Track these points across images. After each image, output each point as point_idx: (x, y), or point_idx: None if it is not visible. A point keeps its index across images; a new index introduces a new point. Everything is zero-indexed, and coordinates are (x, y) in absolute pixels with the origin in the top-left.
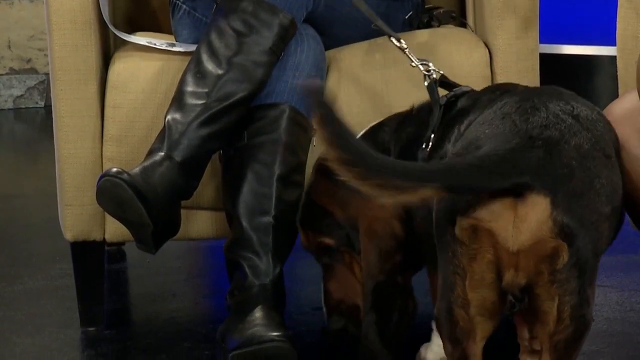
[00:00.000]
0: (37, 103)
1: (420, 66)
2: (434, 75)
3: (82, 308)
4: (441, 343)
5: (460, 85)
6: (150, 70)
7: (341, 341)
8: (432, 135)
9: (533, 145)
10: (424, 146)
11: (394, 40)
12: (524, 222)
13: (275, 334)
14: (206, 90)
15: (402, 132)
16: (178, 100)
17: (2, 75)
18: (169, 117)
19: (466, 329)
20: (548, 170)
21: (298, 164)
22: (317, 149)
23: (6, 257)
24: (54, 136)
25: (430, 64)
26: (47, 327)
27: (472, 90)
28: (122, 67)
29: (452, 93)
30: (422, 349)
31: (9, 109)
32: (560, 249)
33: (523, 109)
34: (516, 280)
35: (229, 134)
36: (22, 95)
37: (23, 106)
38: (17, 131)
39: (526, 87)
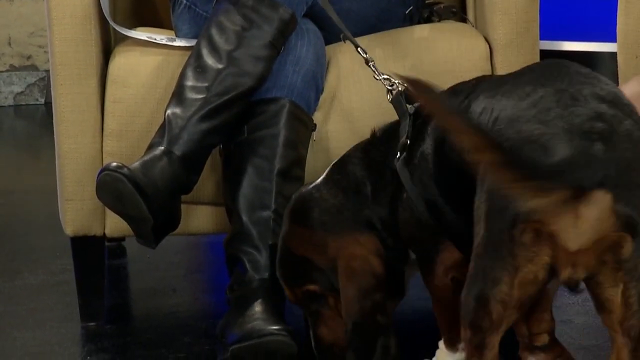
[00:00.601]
0: (37, 100)
1: (384, 81)
2: (400, 88)
3: (83, 303)
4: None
5: None
6: (151, 65)
7: None
8: (408, 142)
9: (591, 141)
10: (398, 155)
11: (360, 51)
12: (586, 222)
13: (275, 327)
14: (206, 84)
15: (374, 156)
16: (178, 95)
17: (2, 72)
18: (169, 111)
19: (496, 322)
20: (608, 164)
21: (298, 159)
22: (318, 144)
23: (7, 252)
24: (54, 131)
25: (393, 79)
26: (48, 322)
27: None
28: (123, 61)
29: (417, 104)
30: None
31: (9, 106)
32: (624, 240)
33: (563, 102)
34: (574, 276)
35: (229, 128)
36: (22, 92)
37: (23, 103)
38: (18, 128)
39: (528, 69)
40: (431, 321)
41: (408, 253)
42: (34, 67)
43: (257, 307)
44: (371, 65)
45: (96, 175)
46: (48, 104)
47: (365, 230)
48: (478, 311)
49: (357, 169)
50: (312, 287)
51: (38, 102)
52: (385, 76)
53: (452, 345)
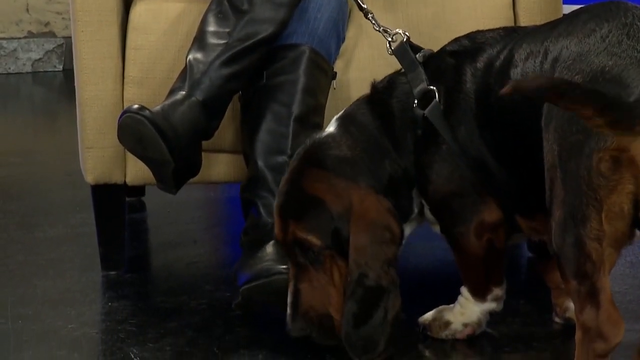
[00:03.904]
0: (55, 67)
1: (383, 33)
2: (404, 39)
3: (103, 252)
4: (468, 307)
5: (423, 49)
6: (172, 11)
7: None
8: (430, 88)
9: None
10: (416, 102)
11: (359, 1)
12: None
13: (284, 267)
14: (228, 30)
15: (383, 106)
16: (200, 40)
17: (20, 38)
18: (190, 56)
19: (597, 262)
20: None
21: (317, 106)
22: (338, 92)
23: (26, 207)
24: (75, 79)
25: (397, 29)
26: (68, 271)
27: (442, 51)
28: (144, 8)
29: (422, 53)
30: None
31: (27, 73)
32: None
33: (633, 35)
34: None
35: (249, 74)
36: (40, 59)
37: (41, 70)
38: (36, 94)
39: (583, 10)
40: (443, 270)
41: (409, 206)
42: (52, 34)
43: (269, 249)
44: (370, 18)
45: (118, 118)
46: (66, 71)
47: (379, 188)
48: (578, 257)
49: (369, 120)
50: (313, 239)
51: (56, 69)
52: (385, 29)
53: (479, 296)
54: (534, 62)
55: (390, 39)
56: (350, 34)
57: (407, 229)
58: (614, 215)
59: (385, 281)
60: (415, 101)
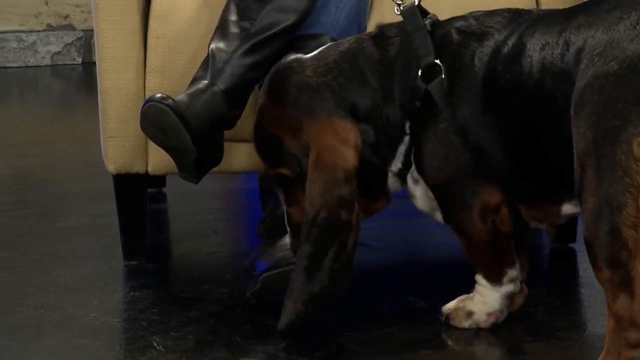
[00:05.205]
0: (74, 60)
1: None
2: (414, 2)
3: (125, 241)
4: (487, 294)
5: (429, 13)
6: (194, 0)
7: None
8: (436, 62)
9: None
10: (420, 73)
11: None
12: None
13: None
14: (250, 19)
15: (385, 58)
16: (222, 29)
17: (39, 31)
18: (212, 45)
19: (633, 250)
20: None
21: None
22: None
23: (46, 198)
24: (97, 67)
25: None
26: (89, 261)
27: (449, 24)
28: None
29: (429, 20)
30: (467, 303)
31: (47, 66)
32: None
33: None
34: None
35: (271, 63)
36: (59, 52)
37: (60, 63)
38: (55, 86)
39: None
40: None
41: (393, 154)
42: (71, 27)
43: (288, 238)
44: None
45: (140, 107)
46: (85, 64)
47: (344, 116)
48: (613, 245)
49: (364, 54)
50: (284, 171)
51: (75, 62)
52: None
53: (495, 280)
54: (552, 53)
55: (399, 1)
56: (372, 23)
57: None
58: None
59: (340, 223)
60: (419, 72)
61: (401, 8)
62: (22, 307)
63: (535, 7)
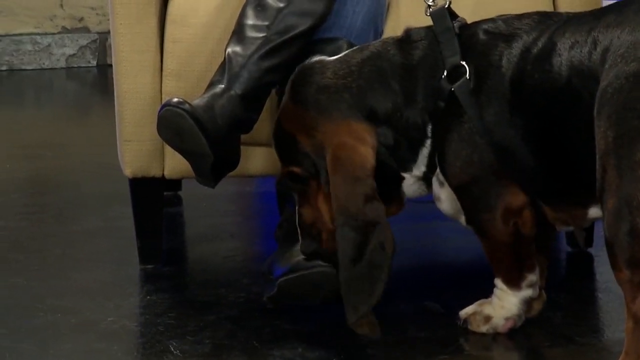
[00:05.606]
0: (89, 62)
1: None
2: (445, 4)
3: (141, 245)
4: (506, 299)
5: (458, 16)
6: (210, 4)
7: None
8: (462, 64)
9: None
10: (445, 74)
11: None
12: None
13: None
14: (267, 23)
15: (409, 60)
16: (238, 33)
17: (54, 34)
18: (229, 49)
19: None
20: None
21: None
22: None
23: (61, 201)
24: (113, 71)
25: None
26: (105, 264)
27: (476, 26)
28: (182, 1)
29: (458, 23)
30: (485, 308)
31: (61, 68)
32: None
33: None
34: None
35: (288, 67)
36: (74, 55)
37: (75, 65)
38: (69, 89)
39: (631, 1)
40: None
41: (414, 158)
42: (85, 29)
43: None
44: None
45: (157, 111)
46: (100, 66)
47: (360, 118)
48: (633, 246)
49: (388, 57)
50: (296, 169)
51: (90, 65)
52: None
53: (514, 285)
54: (581, 51)
55: (430, 3)
56: (388, 27)
57: (410, 186)
58: None
59: (370, 216)
60: (445, 73)
61: (430, 10)
62: (39, 311)
63: (553, 9)
